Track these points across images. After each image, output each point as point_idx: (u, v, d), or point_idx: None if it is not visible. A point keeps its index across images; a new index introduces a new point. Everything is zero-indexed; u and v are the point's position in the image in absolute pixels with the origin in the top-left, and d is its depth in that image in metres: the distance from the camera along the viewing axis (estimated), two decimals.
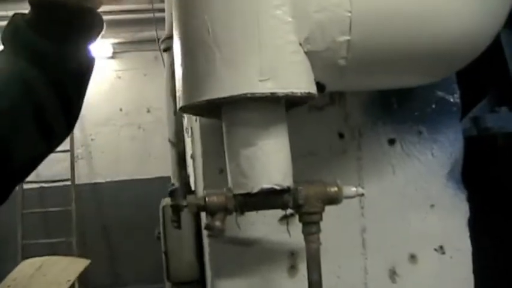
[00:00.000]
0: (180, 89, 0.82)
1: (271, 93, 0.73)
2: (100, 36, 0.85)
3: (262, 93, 0.73)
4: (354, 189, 0.84)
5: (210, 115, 0.86)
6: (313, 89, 0.78)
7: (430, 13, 0.80)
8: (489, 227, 1.16)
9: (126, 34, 5.87)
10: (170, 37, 1.20)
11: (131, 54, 5.98)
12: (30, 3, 0.80)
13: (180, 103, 0.83)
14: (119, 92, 6.01)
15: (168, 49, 1.21)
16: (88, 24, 0.81)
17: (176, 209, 0.86)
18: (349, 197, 0.83)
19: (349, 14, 0.76)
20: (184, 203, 0.83)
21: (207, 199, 0.80)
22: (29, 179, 1.09)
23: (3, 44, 0.79)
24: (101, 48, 5.94)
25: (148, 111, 6.07)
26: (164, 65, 1.26)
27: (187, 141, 1.34)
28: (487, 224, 1.13)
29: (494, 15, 0.88)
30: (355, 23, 0.76)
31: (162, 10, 5.23)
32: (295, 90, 0.74)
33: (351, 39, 0.77)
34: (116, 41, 5.94)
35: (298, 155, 0.90)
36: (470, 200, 1.03)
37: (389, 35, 0.79)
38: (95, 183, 5.93)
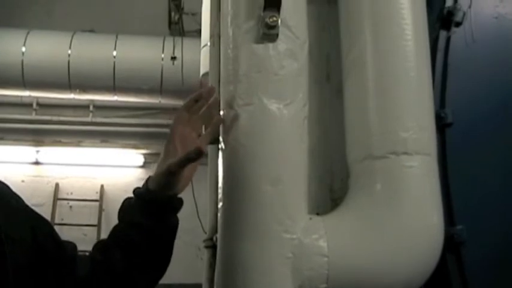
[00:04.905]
0: None
1: None
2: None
3: None
4: None
5: None
6: None
7: (385, 268, 1.27)
8: None
9: (157, 146, 6.50)
10: (211, 238, 1.69)
11: None
12: (135, 194, 1.26)
13: None
14: None
15: (209, 247, 1.66)
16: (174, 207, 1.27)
17: None
18: None
19: (327, 272, 1.23)
20: None
21: None
22: None
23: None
24: (132, 158, 6.57)
25: None
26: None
27: None
28: None
29: (428, 264, 1.34)
30: (331, 277, 1.23)
31: None
32: None
33: (328, 286, 1.24)
34: (147, 151, 6.57)
35: None
36: None
37: (353, 266, 1.26)
38: None
